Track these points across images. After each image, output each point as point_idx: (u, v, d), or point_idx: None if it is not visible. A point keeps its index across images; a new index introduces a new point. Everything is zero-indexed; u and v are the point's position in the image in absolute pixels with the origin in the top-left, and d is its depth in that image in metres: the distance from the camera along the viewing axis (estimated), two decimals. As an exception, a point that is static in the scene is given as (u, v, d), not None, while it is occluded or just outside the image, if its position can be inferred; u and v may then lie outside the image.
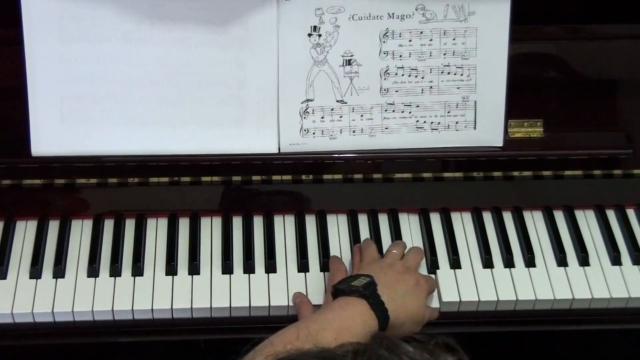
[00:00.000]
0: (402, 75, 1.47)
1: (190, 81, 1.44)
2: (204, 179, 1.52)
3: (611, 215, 1.56)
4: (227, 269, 1.45)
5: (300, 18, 1.43)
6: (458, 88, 1.49)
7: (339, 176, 1.54)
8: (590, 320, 1.48)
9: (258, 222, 1.52)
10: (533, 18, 1.51)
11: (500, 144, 1.51)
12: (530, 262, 1.49)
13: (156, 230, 1.51)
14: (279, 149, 1.48)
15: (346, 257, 1.48)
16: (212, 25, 1.42)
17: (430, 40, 1.46)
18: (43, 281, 1.43)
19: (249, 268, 1.45)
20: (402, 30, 1.45)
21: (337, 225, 1.53)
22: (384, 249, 1.47)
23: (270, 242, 1.49)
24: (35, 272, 1.43)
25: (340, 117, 1.48)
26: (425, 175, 1.55)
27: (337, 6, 1.43)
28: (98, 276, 1.44)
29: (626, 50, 1.56)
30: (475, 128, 1.50)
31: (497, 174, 1.55)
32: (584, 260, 1.49)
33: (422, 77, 1.48)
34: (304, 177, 1.53)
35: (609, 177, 1.57)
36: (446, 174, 1.55)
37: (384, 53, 1.46)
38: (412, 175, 1.54)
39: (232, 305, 1.41)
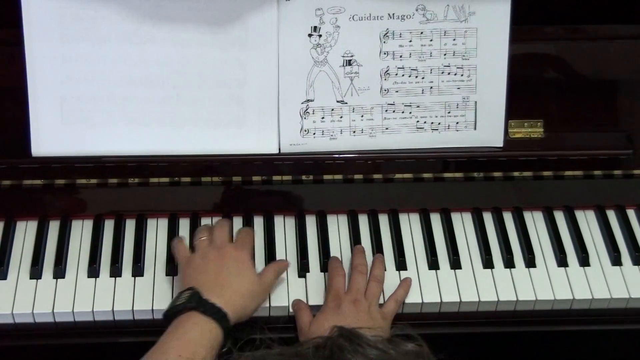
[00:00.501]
0: (403, 75, 1.47)
1: (191, 81, 1.44)
2: (204, 179, 1.52)
3: (611, 215, 1.57)
4: (228, 269, 1.45)
5: (300, 18, 1.43)
6: (458, 88, 1.48)
7: (339, 176, 1.54)
8: (591, 320, 1.48)
9: (258, 223, 1.52)
10: (533, 18, 1.51)
11: (501, 145, 1.51)
12: (530, 262, 1.49)
13: (156, 230, 1.51)
14: (279, 149, 1.48)
15: (346, 257, 1.48)
16: (213, 25, 1.42)
17: (431, 40, 1.46)
18: (43, 281, 1.43)
19: (249, 268, 1.45)
20: (402, 31, 1.45)
21: (338, 226, 1.53)
22: (385, 249, 1.48)
23: (271, 243, 1.49)
24: (36, 272, 1.43)
25: (341, 117, 1.48)
26: (426, 175, 1.55)
27: (338, 6, 1.43)
28: (98, 276, 1.44)
29: (626, 50, 1.56)
30: (475, 128, 1.50)
31: (497, 174, 1.55)
32: (584, 261, 1.49)
33: (423, 78, 1.48)
34: (304, 177, 1.53)
35: (609, 177, 1.57)
36: (446, 174, 1.55)
37: (385, 53, 1.46)
38: (412, 175, 1.54)
39: (233, 306, 1.41)
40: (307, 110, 1.47)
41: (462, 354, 1.47)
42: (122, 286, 1.43)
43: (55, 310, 1.39)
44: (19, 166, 1.48)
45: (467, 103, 1.49)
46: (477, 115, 1.50)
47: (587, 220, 1.56)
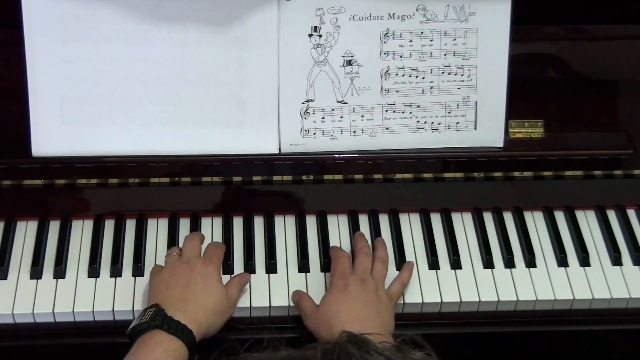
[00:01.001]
0: (403, 75, 1.47)
1: (191, 81, 1.44)
2: (205, 179, 1.52)
3: (612, 215, 1.57)
4: (228, 269, 1.45)
5: (300, 18, 1.43)
6: (459, 88, 1.48)
7: (339, 176, 1.54)
8: (591, 320, 1.48)
9: (259, 223, 1.52)
10: (533, 18, 1.51)
11: (501, 145, 1.51)
12: (530, 262, 1.49)
13: (157, 230, 1.51)
14: (280, 149, 1.48)
15: (347, 258, 1.48)
16: (213, 25, 1.42)
17: (431, 40, 1.46)
18: (44, 281, 1.43)
19: (249, 268, 1.45)
20: (402, 31, 1.45)
21: (338, 226, 1.53)
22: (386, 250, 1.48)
23: (271, 243, 1.49)
24: (36, 272, 1.43)
25: (341, 117, 1.48)
26: (426, 175, 1.55)
27: (338, 6, 1.43)
28: (98, 276, 1.44)
29: (627, 50, 1.56)
30: (475, 128, 1.50)
31: (497, 174, 1.55)
32: (584, 261, 1.49)
33: (423, 78, 1.48)
34: (304, 177, 1.53)
35: (609, 177, 1.57)
36: (447, 174, 1.55)
37: (385, 53, 1.46)
38: (412, 175, 1.54)
39: (233, 306, 1.41)
40: (308, 110, 1.47)
41: (462, 354, 1.47)
42: (122, 286, 1.43)
43: (55, 310, 1.39)
44: (19, 166, 1.48)
45: (468, 103, 1.49)
46: (477, 115, 1.50)
47: (588, 220, 1.56)
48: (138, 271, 1.44)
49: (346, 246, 1.50)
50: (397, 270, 1.47)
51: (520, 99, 1.51)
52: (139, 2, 1.40)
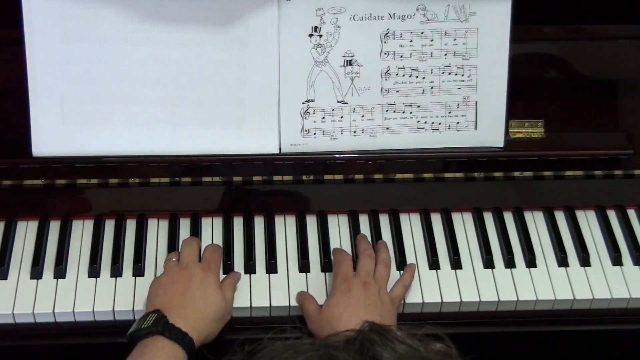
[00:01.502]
0: (403, 75, 1.47)
1: (191, 81, 1.44)
2: (205, 179, 1.52)
3: (612, 215, 1.57)
4: (228, 269, 1.45)
5: (301, 18, 1.43)
6: (459, 88, 1.48)
7: (339, 176, 1.54)
8: (591, 320, 1.48)
9: (259, 223, 1.52)
10: (534, 18, 1.51)
11: (501, 145, 1.51)
12: (531, 262, 1.49)
13: (157, 230, 1.51)
14: (280, 149, 1.48)
15: (347, 258, 1.48)
16: (213, 25, 1.42)
17: (431, 40, 1.46)
18: (44, 281, 1.43)
19: (249, 268, 1.46)
20: (403, 31, 1.45)
21: (338, 226, 1.53)
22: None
23: (271, 243, 1.49)
24: (36, 272, 1.43)
25: (341, 117, 1.48)
26: (426, 175, 1.55)
27: (338, 6, 1.43)
28: (99, 276, 1.44)
29: (627, 50, 1.56)
30: (476, 128, 1.50)
31: (498, 174, 1.55)
32: (584, 261, 1.49)
33: (423, 78, 1.48)
34: (304, 177, 1.53)
35: (609, 177, 1.57)
36: (447, 175, 1.55)
37: (385, 53, 1.46)
38: (413, 175, 1.54)
39: (233, 306, 1.41)
40: (308, 110, 1.47)
41: (462, 354, 1.47)
42: (122, 286, 1.43)
43: (55, 310, 1.39)
44: (20, 166, 1.48)
45: (468, 103, 1.49)
46: (477, 115, 1.50)
47: (588, 220, 1.56)
48: (138, 271, 1.44)
49: (347, 246, 1.50)
50: (397, 270, 1.47)
51: (521, 99, 1.51)
52: (139, 2, 1.40)
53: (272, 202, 1.54)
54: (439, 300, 1.43)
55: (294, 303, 1.42)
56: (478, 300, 1.44)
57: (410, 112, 1.49)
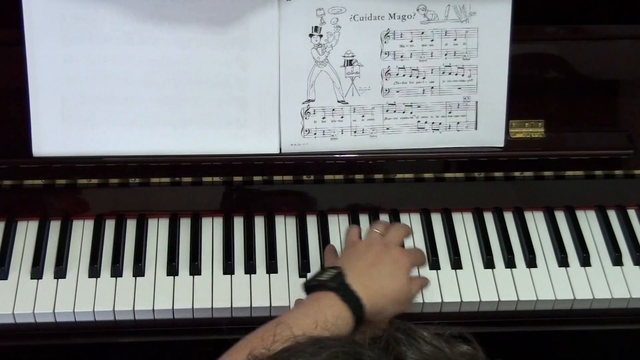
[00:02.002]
0: (404, 75, 1.47)
1: (192, 81, 1.44)
2: (205, 179, 1.52)
3: (612, 215, 1.57)
4: (228, 269, 1.45)
5: (301, 18, 1.43)
6: (459, 88, 1.48)
7: (340, 176, 1.54)
8: (591, 320, 1.48)
9: (259, 223, 1.52)
10: (534, 18, 1.51)
11: (502, 145, 1.51)
12: (531, 262, 1.49)
13: (157, 230, 1.51)
14: (280, 149, 1.48)
15: (347, 258, 1.48)
16: (214, 25, 1.42)
17: (432, 40, 1.46)
18: (44, 281, 1.43)
19: (250, 268, 1.46)
20: (403, 31, 1.45)
21: (339, 226, 1.53)
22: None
23: (272, 243, 1.49)
24: (37, 272, 1.43)
25: (342, 117, 1.48)
26: (427, 175, 1.55)
27: (339, 6, 1.43)
28: (99, 276, 1.44)
29: (627, 50, 1.56)
30: (476, 128, 1.50)
31: (498, 174, 1.55)
32: (585, 261, 1.49)
33: (424, 78, 1.48)
34: (305, 177, 1.53)
35: (610, 177, 1.57)
36: (447, 175, 1.55)
37: (385, 53, 1.46)
38: (413, 175, 1.55)
39: (233, 306, 1.41)
40: (308, 110, 1.47)
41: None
42: (123, 286, 1.43)
43: (56, 310, 1.39)
44: (20, 166, 1.48)
45: (468, 103, 1.49)
46: (478, 115, 1.50)
47: (588, 220, 1.56)
48: (139, 271, 1.44)
49: (347, 246, 1.50)
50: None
51: (521, 99, 1.51)
52: (139, 3, 1.40)
53: (272, 202, 1.54)
54: (439, 301, 1.44)
55: (294, 303, 1.42)
56: (478, 300, 1.44)
57: (411, 112, 1.49)
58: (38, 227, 1.49)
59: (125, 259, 1.46)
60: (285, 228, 1.52)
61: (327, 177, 1.54)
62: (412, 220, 1.54)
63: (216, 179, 1.52)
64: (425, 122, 1.50)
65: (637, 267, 1.50)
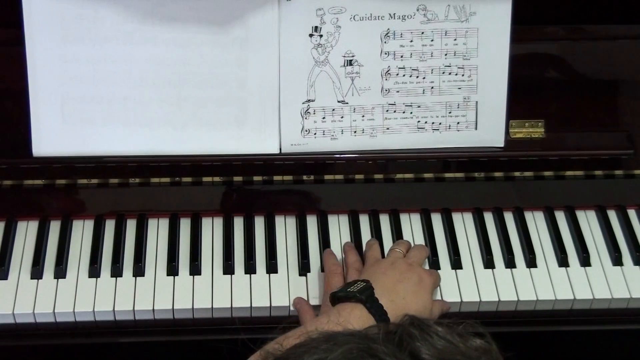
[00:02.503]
0: (404, 75, 1.47)
1: (192, 82, 1.44)
2: (205, 179, 1.52)
3: (612, 215, 1.56)
4: (229, 269, 1.45)
5: (301, 18, 1.43)
6: (459, 88, 1.49)
7: (340, 176, 1.54)
8: (592, 320, 1.48)
9: (259, 223, 1.52)
10: (534, 18, 1.51)
11: (502, 145, 1.51)
12: (531, 262, 1.49)
13: (157, 230, 1.51)
14: (280, 149, 1.48)
15: (347, 258, 1.48)
16: (214, 25, 1.42)
17: (432, 40, 1.46)
18: (44, 281, 1.43)
19: (250, 268, 1.46)
20: (403, 31, 1.45)
21: (339, 226, 1.53)
22: (386, 250, 1.47)
23: (272, 243, 1.49)
24: (37, 272, 1.43)
25: (342, 117, 1.48)
26: (427, 175, 1.55)
27: (339, 6, 1.43)
28: (99, 276, 1.44)
29: (627, 50, 1.56)
30: (476, 128, 1.50)
31: (498, 174, 1.55)
32: (585, 261, 1.49)
33: (424, 78, 1.48)
34: (305, 177, 1.53)
35: (610, 177, 1.57)
36: (447, 175, 1.55)
37: (385, 53, 1.46)
38: (413, 175, 1.55)
39: (233, 306, 1.41)
40: (308, 110, 1.47)
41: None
42: (123, 286, 1.43)
43: (56, 310, 1.39)
44: (20, 166, 1.48)
45: (468, 103, 1.49)
46: (478, 116, 1.50)
47: (588, 220, 1.56)
48: (139, 271, 1.44)
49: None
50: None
51: (521, 99, 1.51)
52: (139, 3, 1.40)
53: (272, 202, 1.54)
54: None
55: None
56: (478, 300, 1.44)
57: (411, 112, 1.49)
58: (38, 227, 1.49)
59: (125, 259, 1.46)
60: (285, 228, 1.52)
61: (327, 177, 1.54)
62: (412, 220, 1.54)
63: (216, 179, 1.52)
64: (425, 122, 1.50)
65: (637, 267, 1.50)
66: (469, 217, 1.55)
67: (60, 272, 1.43)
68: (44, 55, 1.41)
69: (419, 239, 1.51)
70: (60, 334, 1.42)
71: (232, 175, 1.52)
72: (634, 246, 1.51)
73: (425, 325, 0.86)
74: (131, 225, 1.51)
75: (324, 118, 1.48)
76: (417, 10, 1.44)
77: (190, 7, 1.41)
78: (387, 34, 1.45)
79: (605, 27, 1.55)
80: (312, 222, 1.53)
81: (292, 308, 1.41)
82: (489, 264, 1.48)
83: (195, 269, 1.45)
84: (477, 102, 1.49)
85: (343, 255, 1.46)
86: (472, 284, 1.46)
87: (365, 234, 1.51)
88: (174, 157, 1.47)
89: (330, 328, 1.13)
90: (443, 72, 1.48)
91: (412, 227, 1.53)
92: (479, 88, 1.49)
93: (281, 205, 1.54)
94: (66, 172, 1.49)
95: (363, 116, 1.49)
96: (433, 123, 1.50)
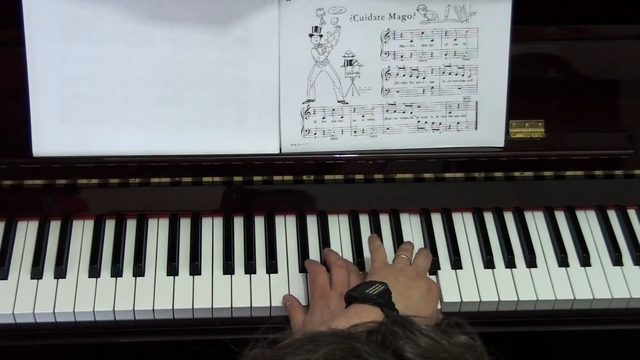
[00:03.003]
0: (404, 75, 1.47)
1: (192, 82, 1.44)
2: (205, 179, 1.52)
3: (612, 215, 1.57)
4: (229, 269, 1.45)
5: (301, 18, 1.43)
6: (459, 88, 1.49)
7: (340, 176, 1.54)
8: (592, 320, 1.48)
9: (259, 223, 1.52)
10: (534, 18, 1.51)
11: (502, 145, 1.51)
12: (531, 262, 1.49)
13: (157, 230, 1.51)
14: (280, 149, 1.48)
15: (347, 257, 1.47)
16: (214, 25, 1.42)
17: (432, 40, 1.46)
18: (44, 281, 1.43)
19: (250, 268, 1.46)
20: (403, 31, 1.45)
21: (339, 226, 1.53)
22: (386, 250, 1.47)
23: (272, 243, 1.49)
24: (37, 272, 1.43)
25: (342, 117, 1.48)
26: (427, 175, 1.55)
27: (339, 6, 1.43)
28: (99, 276, 1.44)
29: (627, 50, 1.56)
30: (476, 128, 1.50)
31: (498, 174, 1.55)
32: (585, 261, 1.49)
33: (424, 78, 1.48)
34: (305, 177, 1.53)
35: (610, 177, 1.57)
36: (447, 175, 1.55)
37: (385, 53, 1.46)
38: (413, 175, 1.55)
39: (233, 306, 1.41)
40: (308, 110, 1.47)
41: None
42: (123, 286, 1.43)
43: (56, 310, 1.39)
44: (20, 166, 1.48)
45: (468, 103, 1.49)
46: (478, 116, 1.50)
47: (588, 220, 1.56)
48: (139, 271, 1.44)
49: (347, 246, 1.50)
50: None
51: (521, 99, 1.51)
52: (139, 3, 1.40)
53: (272, 202, 1.54)
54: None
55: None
56: (478, 300, 1.44)
57: (411, 112, 1.49)
58: (38, 227, 1.49)
59: (125, 259, 1.46)
60: (285, 228, 1.52)
61: (327, 177, 1.54)
62: (412, 220, 1.54)
63: (216, 179, 1.52)
64: (425, 122, 1.50)
65: (637, 267, 1.50)
66: (469, 217, 1.55)
67: (60, 272, 1.43)
68: (43, 55, 1.41)
69: (419, 239, 1.51)
70: (60, 334, 1.42)
71: (232, 175, 1.52)
72: (634, 246, 1.51)
73: (409, 323, 0.86)
74: (131, 225, 1.51)
75: (324, 118, 1.48)
76: (417, 10, 1.44)
77: (190, 7, 1.41)
78: (387, 34, 1.45)
79: (605, 27, 1.55)
80: (312, 222, 1.53)
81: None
82: (489, 264, 1.48)
83: (195, 269, 1.45)
84: (477, 102, 1.49)
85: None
86: (472, 284, 1.46)
87: (365, 234, 1.51)
88: (174, 157, 1.47)
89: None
90: (443, 72, 1.48)
91: (412, 227, 1.53)
92: (479, 88, 1.49)
93: (281, 205, 1.54)
94: (66, 172, 1.49)
95: (363, 116, 1.49)
96: (433, 123, 1.50)
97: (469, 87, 1.49)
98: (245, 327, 1.41)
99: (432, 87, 1.48)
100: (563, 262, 1.49)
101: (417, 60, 1.47)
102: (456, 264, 1.48)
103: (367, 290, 1.24)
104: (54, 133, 1.44)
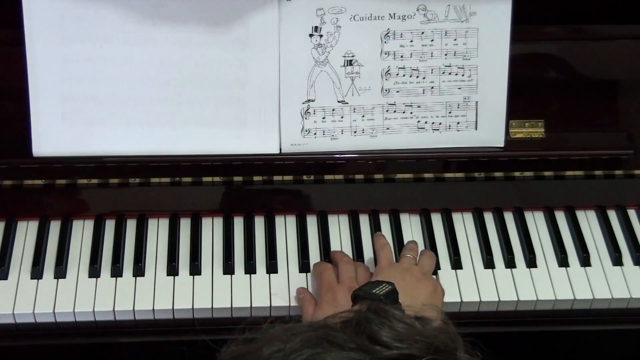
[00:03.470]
0: (404, 75, 1.47)
1: (192, 82, 1.44)
2: (205, 179, 1.52)
3: (612, 215, 1.57)
4: (229, 269, 1.45)
5: (301, 18, 1.43)
6: (459, 88, 1.49)
7: (340, 176, 1.54)
8: (592, 320, 1.48)
9: (259, 223, 1.52)
10: (534, 18, 1.51)
11: (502, 145, 1.51)
12: (531, 262, 1.49)
13: (157, 230, 1.51)
14: (280, 149, 1.48)
15: (347, 258, 1.48)
16: (214, 25, 1.42)
17: (432, 40, 1.46)
18: (44, 281, 1.43)
19: (250, 268, 1.46)
20: (403, 31, 1.45)
21: (339, 226, 1.53)
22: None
23: (272, 243, 1.49)
24: (37, 272, 1.43)
25: (342, 117, 1.48)
26: (427, 175, 1.55)
27: (339, 6, 1.43)
28: (99, 276, 1.44)
29: (627, 50, 1.56)
30: (476, 128, 1.50)
31: (498, 174, 1.55)
32: (585, 261, 1.49)
33: (424, 78, 1.48)
34: (305, 177, 1.53)
35: (610, 177, 1.57)
36: (447, 175, 1.55)
37: (385, 53, 1.46)
38: (413, 175, 1.55)
39: (233, 306, 1.41)
40: (308, 111, 1.47)
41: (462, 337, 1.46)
42: (123, 286, 1.43)
43: (56, 310, 1.39)
44: (20, 166, 1.48)
45: (468, 103, 1.49)
46: (478, 116, 1.50)
47: (588, 220, 1.56)
48: (139, 271, 1.44)
49: (347, 246, 1.50)
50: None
51: (521, 99, 1.51)
52: (139, 3, 1.40)
53: (272, 202, 1.54)
54: (440, 300, 1.44)
55: (294, 303, 1.42)
56: (478, 300, 1.44)
57: (411, 112, 1.49)
58: (38, 227, 1.49)
59: (125, 259, 1.46)
60: (285, 228, 1.52)
61: (327, 177, 1.54)
62: (412, 221, 1.54)
63: (216, 179, 1.52)
64: (425, 122, 1.50)
65: (637, 267, 1.50)
66: (469, 217, 1.55)
67: (60, 272, 1.43)
68: (44, 55, 1.41)
69: (419, 239, 1.51)
70: (60, 334, 1.42)
71: (232, 175, 1.52)
72: (634, 246, 1.52)
73: (382, 310, 0.86)
74: (131, 225, 1.51)
75: (324, 118, 1.48)
76: (417, 10, 1.44)
77: (190, 7, 1.41)
78: (387, 34, 1.45)
79: (605, 27, 1.55)
80: (312, 222, 1.53)
81: (292, 304, 1.41)
82: (489, 264, 1.48)
83: (195, 269, 1.45)
84: (477, 102, 1.49)
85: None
86: (472, 284, 1.46)
87: (366, 234, 1.51)
88: (174, 157, 1.47)
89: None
90: (443, 72, 1.48)
91: (412, 227, 1.53)
92: (479, 88, 1.49)
93: (281, 205, 1.54)
94: (66, 172, 1.49)
95: (363, 116, 1.49)
96: (433, 123, 1.50)
97: (469, 87, 1.49)
98: (244, 327, 1.41)
99: (432, 87, 1.48)
100: (563, 262, 1.49)
101: (417, 60, 1.47)
102: (456, 264, 1.48)
103: (374, 290, 1.23)
104: (54, 133, 1.44)
